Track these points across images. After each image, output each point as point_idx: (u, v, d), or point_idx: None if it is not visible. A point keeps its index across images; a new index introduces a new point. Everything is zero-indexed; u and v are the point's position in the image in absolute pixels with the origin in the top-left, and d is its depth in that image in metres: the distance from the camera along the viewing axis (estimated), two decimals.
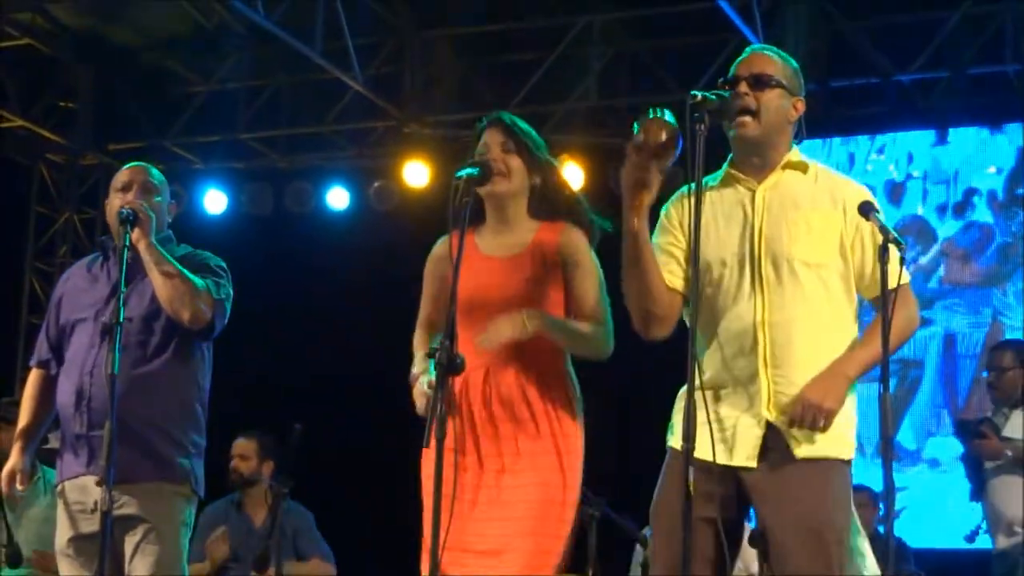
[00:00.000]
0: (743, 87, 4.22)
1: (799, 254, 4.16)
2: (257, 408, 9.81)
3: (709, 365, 4.18)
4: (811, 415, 4.04)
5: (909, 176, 10.53)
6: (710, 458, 4.07)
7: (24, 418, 5.39)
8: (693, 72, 10.18)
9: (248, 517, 7.74)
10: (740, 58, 4.33)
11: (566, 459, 4.55)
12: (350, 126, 11.74)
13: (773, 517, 4.11)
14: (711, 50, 10.18)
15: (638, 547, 7.99)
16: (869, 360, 4.16)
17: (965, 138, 10.48)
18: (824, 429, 4.07)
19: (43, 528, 6.82)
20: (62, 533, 5.20)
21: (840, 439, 4.16)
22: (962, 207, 10.36)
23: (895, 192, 10.38)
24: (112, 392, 4.71)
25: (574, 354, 4.65)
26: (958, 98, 10.27)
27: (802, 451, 4.10)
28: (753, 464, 4.11)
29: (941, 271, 10.30)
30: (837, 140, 10.77)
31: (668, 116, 3.96)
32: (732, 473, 4.13)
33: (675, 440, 4.19)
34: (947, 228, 10.40)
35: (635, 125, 3.98)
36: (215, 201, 11.96)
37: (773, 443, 4.12)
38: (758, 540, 4.20)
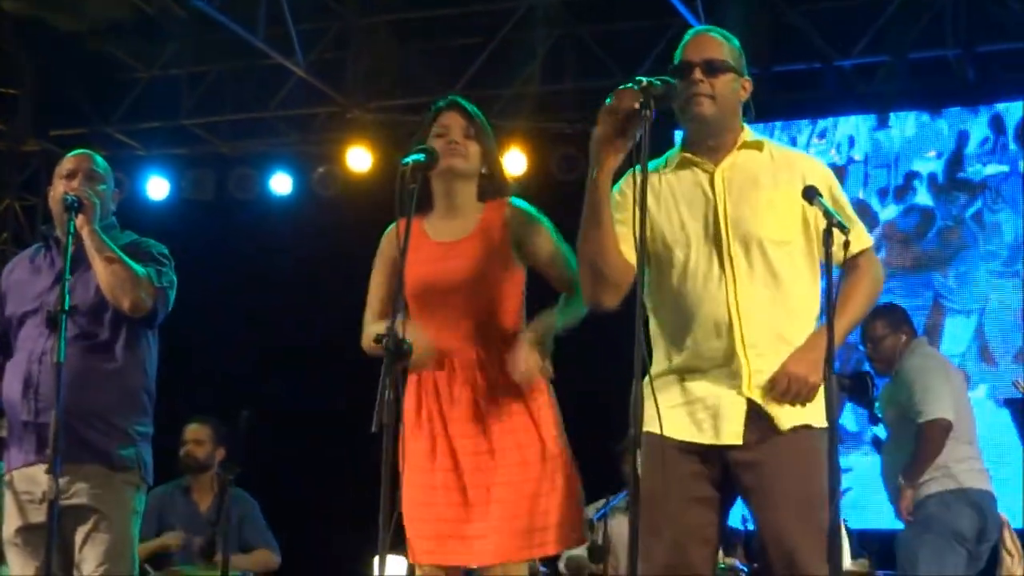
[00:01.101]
0: (697, 74, 4.22)
1: (766, 233, 4.18)
2: (201, 394, 9.80)
3: (681, 348, 4.20)
4: (796, 388, 4.09)
5: (851, 160, 10.61)
6: (694, 439, 4.14)
7: None
8: (637, 56, 10.24)
9: (194, 503, 7.73)
10: (685, 41, 4.32)
11: (543, 429, 4.56)
12: (293, 112, 11.71)
13: (764, 490, 4.13)
14: (654, 34, 10.22)
15: None
16: (844, 330, 4.22)
17: (906, 122, 10.55)
18: (807, 402, 4.11)
19: None
20: (10, 523, 5.18)
21: (821, 410, 4.19)
22: (903, 191, 10.44)
23: (837, 176, 10.39)
24: (58, 381, 4.69)
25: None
26: (899, 82, 10.33)
27: (787, 422, 4.13)
28: (740, 441, 4.12)
29: (882, 254, 10.36)
30: (779, 125, 10.83)
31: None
32: (717, 452, 4.14)
33: (649, 424, 4.10)
34: (888, 212, 10.47)
35: (608, 97, 4.00)
36: (157, 187, 11.91)
37: (756, 418, 4.13)
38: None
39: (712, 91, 4.21)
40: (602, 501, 7.85)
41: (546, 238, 4.65)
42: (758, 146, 4.33)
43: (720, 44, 4.30)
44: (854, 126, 10.66)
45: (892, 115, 10.57)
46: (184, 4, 10.39)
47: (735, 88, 4.29)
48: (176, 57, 11.73)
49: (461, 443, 4.56)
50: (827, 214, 4.04)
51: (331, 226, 11.18)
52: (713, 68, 4.23)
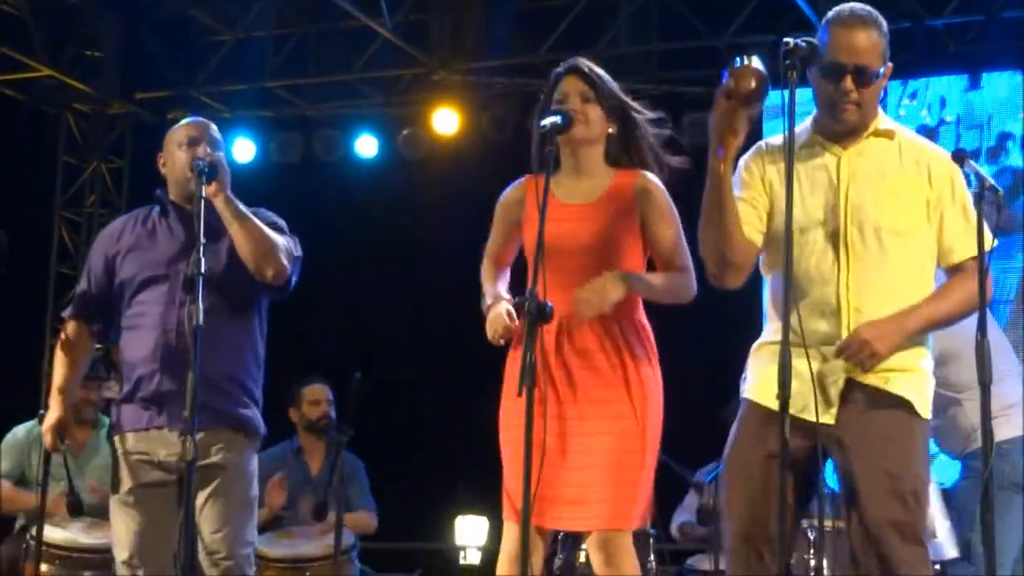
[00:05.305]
0: (848, 83, 4.17)
1: (887, 223, 4.18)
2: (292, 357, 9.83)
3: (787, 323, 4.17)
4: (857, 349, 4.09)
5: (942, 121, 10.49)
6: (791, 411, 4.13)
7: (61, 370, 5.36)
8: (723, 17, 10.18)
9: (306, 464, 7.77)
10: (836, 25, 4.21)
11: (640, 407, 4.56)
12: (378, 73, 11.68)
13: (855, 467, 4.14)
14: None
15: (692, 492, 8.02)
16: (932, 318, 4.21)
17: (998, 83, 10.41)
18: (868, 369, 4.11)
19: (105, 476, 6.85)
20: (122, 482, 5.18)
21: (922, 396, 4.21)
22: (995, 152, 10.32)
23: (928, 137, 10.29)
24: (195, 346, 4.64)
25: (660, 303, 4.66)
26: (991, 42, 10.22)
27: (884, 386, 4.15)
28: (833, 421, 4.14)
29: None
30: None
31: (757, 62, 3.96)
32: (812, 427, 4.13)
33: (752, 392, 4.27)
34: None
35: (723, 72, 3.98)
36: (243, 150, 11.89)
37: (853, 398, 4.16)
38: None
39: (860, 99, 4.19)
40: (712, 464, 7.83)
41: (669, 227, 4.66)
42: (889, 135, 4.31)
43: (873, 45, 4.20)
44: (946, 87, 10.53)
45: (984, 75, 10.43)
46: None
47: (880, 89, 4.27)
48: (261, 18, 11.70)
49: (565, 409, 4.57)
50: (979, 176, 4.03)
51: (417, 188, 11.19)
52: (865, 79, 4.19)
